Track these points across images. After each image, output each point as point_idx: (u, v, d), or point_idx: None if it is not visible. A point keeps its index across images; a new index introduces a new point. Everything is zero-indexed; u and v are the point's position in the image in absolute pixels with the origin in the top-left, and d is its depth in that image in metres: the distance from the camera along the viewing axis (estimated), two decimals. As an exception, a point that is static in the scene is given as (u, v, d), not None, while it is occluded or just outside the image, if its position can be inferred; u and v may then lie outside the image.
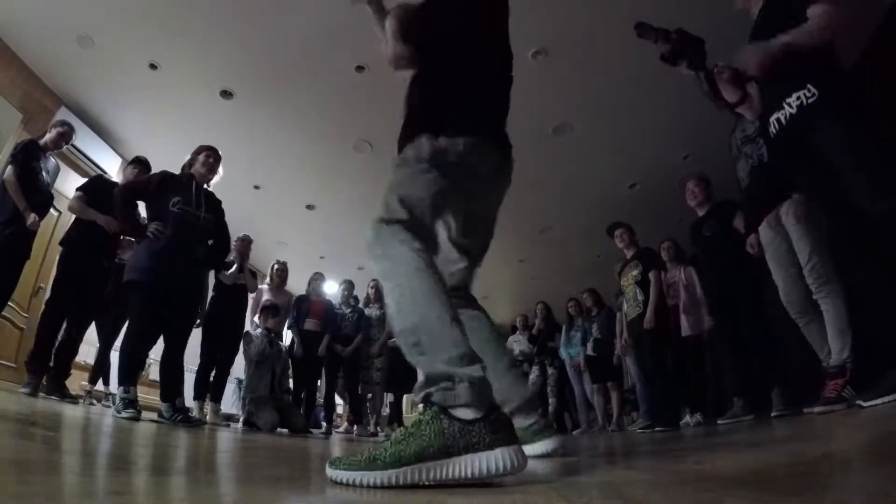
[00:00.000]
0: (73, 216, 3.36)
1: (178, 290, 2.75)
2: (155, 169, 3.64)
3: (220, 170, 3.03)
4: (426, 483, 0.74)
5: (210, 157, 2.96)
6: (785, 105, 1.76)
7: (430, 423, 0.77)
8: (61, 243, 3.32)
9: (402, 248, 0.95)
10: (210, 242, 3.02)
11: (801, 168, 1.84)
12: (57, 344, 3.15)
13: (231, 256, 3.95)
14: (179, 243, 2.71)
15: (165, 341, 2.83)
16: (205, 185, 2.95)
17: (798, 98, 1.72)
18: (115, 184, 3.48)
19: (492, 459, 0.73)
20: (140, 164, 3.55)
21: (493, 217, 1.38)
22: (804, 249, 2.12)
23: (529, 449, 1.26)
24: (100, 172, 4.30)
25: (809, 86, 1.69)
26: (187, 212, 2.77)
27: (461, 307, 1.29)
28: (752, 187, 2.45)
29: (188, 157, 3.03)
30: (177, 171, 2.99)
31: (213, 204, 2.99)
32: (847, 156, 1.64)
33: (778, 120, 1.82)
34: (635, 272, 3.74)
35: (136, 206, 2.90)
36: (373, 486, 0.74)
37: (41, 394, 2.95)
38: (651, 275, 3.62)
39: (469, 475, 0.73)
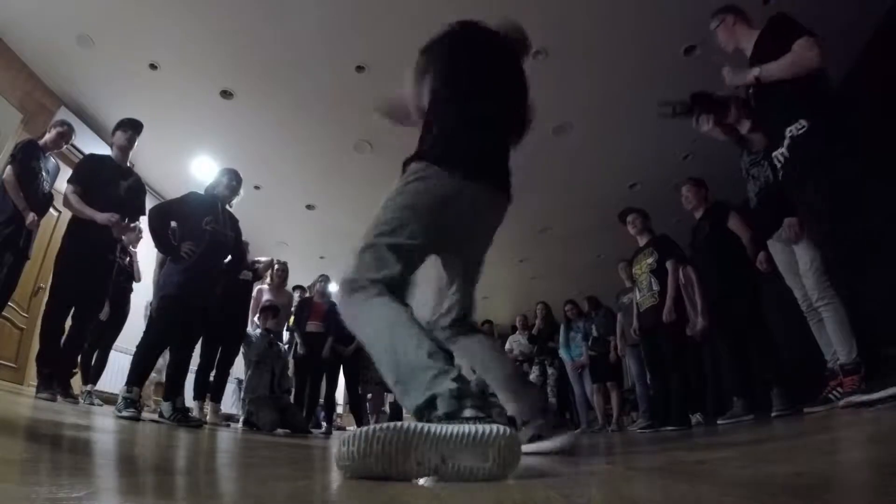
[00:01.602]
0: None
1: (204, 302, 2.91)
2: (155, 163, 3.64)
3: (242, 191, 3.26)
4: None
5: (234, 180, 3.20)
6: (783, 141, 1.88)
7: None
8: (63, 238, 3.17)
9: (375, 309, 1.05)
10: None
11: (800, 193, 1.93)
12: (63, 343, 3.07)
13: None
14: (210, 260, 2.91)
15: (175, 345, 2.90)
16: (228, 206, 3.17)
17: (790, 131, 1.85)
18: (110, 158, 3.30)
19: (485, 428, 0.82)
20: (132, 126, 3.30)
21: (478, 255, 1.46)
22: (803, 260, 2.24)
23: (545, 445, 1.36)
24: (91, 152, 3.78)
25: (801, 120, 1.83)
26: (217, 230, 2.96)
27: (462, 335, 1.42)
28: (760, 208, 2.51)
29: (214, 177, 3.23)
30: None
31: (234, 223, 3.22)
32: (817, 189, 1.78)
33: (777, 158, 1.95)
34: (650, 260, 3.59)
35: (170, 225, 2.98)
36: None
37: (45, 394, 2.84)
38: (668, 264, 3.44)
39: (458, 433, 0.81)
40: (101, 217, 3.05)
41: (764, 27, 2.03)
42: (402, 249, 1.13)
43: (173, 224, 2.99)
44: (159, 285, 2.96)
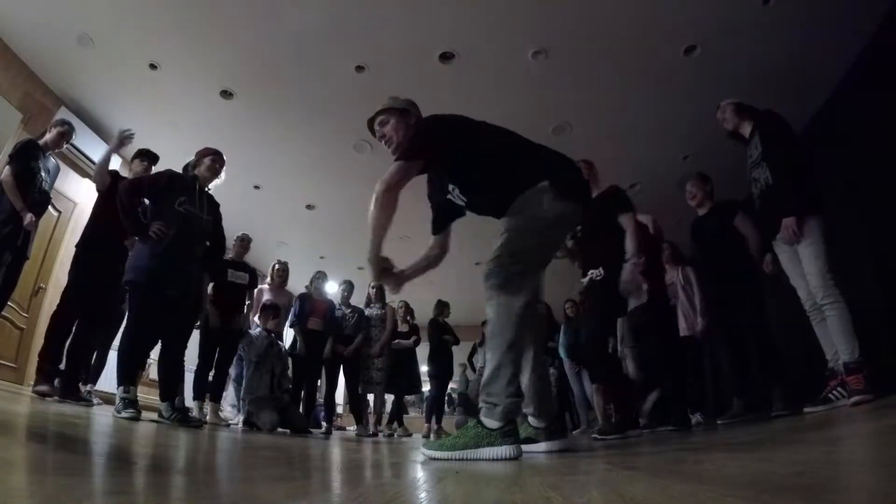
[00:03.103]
0: (83, 219, 3.32)
1: (179, 290, 2.74)
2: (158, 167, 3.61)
3: (223, 174, 3.07)
4: (468, 458, 1.28)
5: (216, 161, 3.00)
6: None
7: (472, 427, 1.35)
8: (77, 246, 3.26)
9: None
10: (207, 244, 3.03)
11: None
12: (68, 346, 3.08)
13: (229, 255, 3.96)
14: (182, 243, 2.72)
15: (164, 341, 2.82)
16: (207, 188, 2.98)
17: (591, 274, 2.80)
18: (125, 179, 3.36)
19: (499, 451, 1.28)
20: (148, 157, 3.45)
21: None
22: (807, 259, 2.24)
23: (539, 446, 1.59)
24: (114, 170, 4.00)
25: (601, 268, 2.73)
26: (191, 212, 2.79)
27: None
28: (763, 210, 2.51)
29: (193, 158, 3.04)
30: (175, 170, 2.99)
31: (213, 206, 3.02)
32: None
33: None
34: (640, 261, 3.60)
35: (141, 203, 2.83)
36: (441, 459, 1.30)
37: (56, 398, 2.87)
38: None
39: (487, 457, 1.27)
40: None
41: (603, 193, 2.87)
42: (539, 267, 1.55)
43: (146, 202, 2.83)
44: (127, 267, 2.74)
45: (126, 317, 2.71)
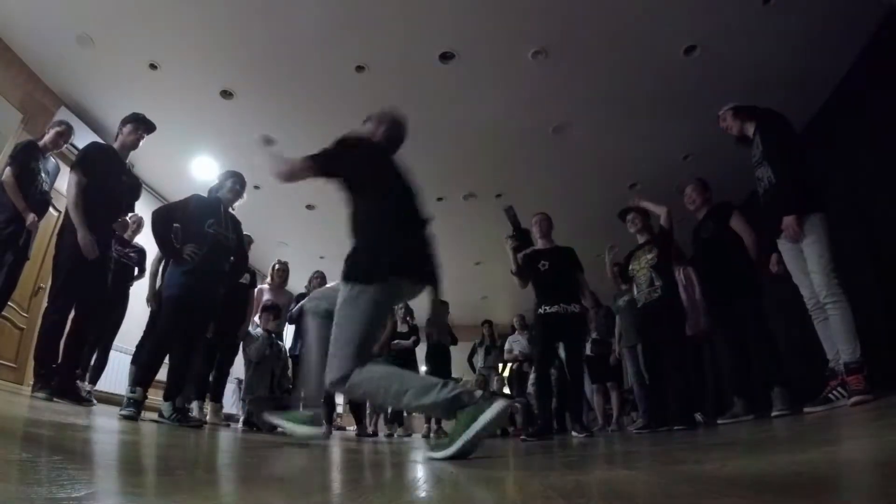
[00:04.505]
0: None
1: (207, 306, 2.89)
2: (155, 163, 3.59)
3: (245, 195, 3.25)
4: (475, 437, 1.30)
5: (237, 184, 3.19)
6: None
7: (460, 414, 1.35)
8: (59, 233, 3.01)
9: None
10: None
11: None
12: (64, 340, 2.90)
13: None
14: (213, 263, 2.90)
15: (180, 347, 2.87)
16: (231, 208, 3.17)
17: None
18: (114, 150, 3.13)
19: (491, 412, 1.31)
20: (141, 122, 3.16)
21: None
22: (811, 258, 2.23)
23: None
24: (94, 141, 3.54)
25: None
26: (220, 233, 2.96)
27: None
28: (767, 208, 2.51)
29: (216, 181, 3.22)
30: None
31: (236, 225, 3.21)
32: None
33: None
34: (650, 256, 3.51)
35: (173, 228, 2.95)
36: (453, 454, 1.29)
37: (41, 394, 2.71)
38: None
39: (487, 422, 1.30)
40: (83, 237, 2.82)
41: None
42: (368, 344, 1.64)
43: (176, 226, 2.98)
44: (164, 286, 2.93)
45: (160, 325, 2.83)
